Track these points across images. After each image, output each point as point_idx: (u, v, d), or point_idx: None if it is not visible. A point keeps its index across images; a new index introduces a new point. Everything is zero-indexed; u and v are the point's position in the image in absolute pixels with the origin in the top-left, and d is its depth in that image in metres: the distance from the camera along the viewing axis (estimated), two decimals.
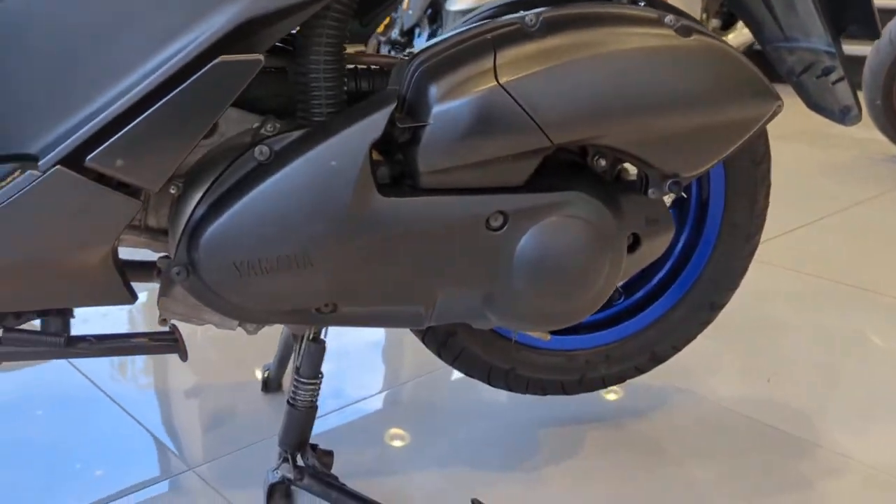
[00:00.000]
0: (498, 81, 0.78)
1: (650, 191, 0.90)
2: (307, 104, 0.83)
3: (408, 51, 0.93)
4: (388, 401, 1.32)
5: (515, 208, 0.83)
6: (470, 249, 0.84)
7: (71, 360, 1.39)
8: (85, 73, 0.74)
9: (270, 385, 1.34)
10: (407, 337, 1.54)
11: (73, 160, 0.74)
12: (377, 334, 1.55)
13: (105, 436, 1.19)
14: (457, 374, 1.38)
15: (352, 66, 0.90)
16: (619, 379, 1.19)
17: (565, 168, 0.89)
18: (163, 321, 0.96)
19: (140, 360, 1.43)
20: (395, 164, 0.84)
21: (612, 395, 1.30)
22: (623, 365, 1.17)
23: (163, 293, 0.93)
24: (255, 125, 0.85)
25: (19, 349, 0.86)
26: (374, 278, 0.84)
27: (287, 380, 1.35)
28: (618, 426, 1.22)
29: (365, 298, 0.86)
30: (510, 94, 0.78)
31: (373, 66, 0.90)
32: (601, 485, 1.09)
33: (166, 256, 0.95)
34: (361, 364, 1.44)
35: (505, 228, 0.84)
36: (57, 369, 1.38)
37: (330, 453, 1.03)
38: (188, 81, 0.73)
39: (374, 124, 0.78)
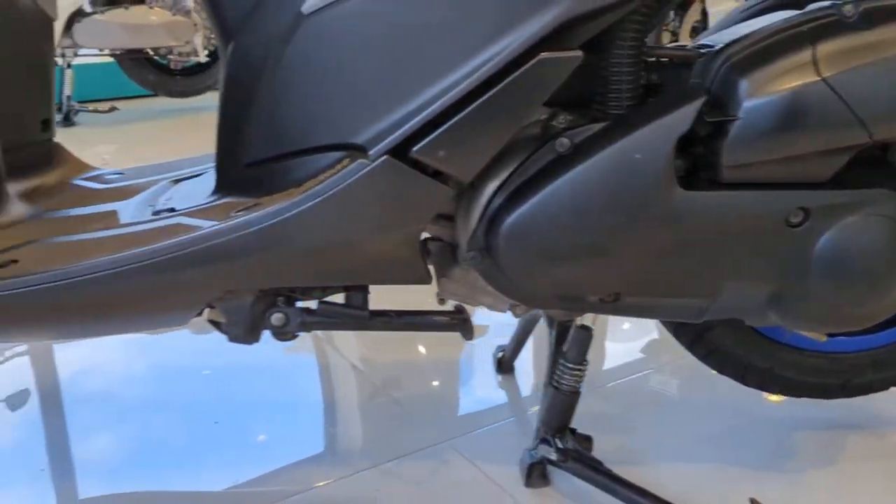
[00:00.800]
0: (819, 75, 0.77)
1: None
2: (606, 97, 0.85)
3: (697, 42, 0.93)
4: (629, 389, 1.33)
5: (818, 205, 0.81)
6: (765, 245, 0.83)
7: (322, 335, 1.51)
8: (413, 71, 0.79)
9: (504, 366, 1.39)
10: (649, 325, 1.55)
11: (399, 150, 0.81)
12: (622, 322, 1.56)
13: (359, 408, 1.28)
14: (695, 367, 1.36)
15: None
16: (886, 385, 1.14)
17: (866, 163, 0.86)
18: (441, 300, 1.02)
19: (377, 335, 1.51)
20: (687, 157, 0.85)
21: (871, 402, 1.23)
22: (893, 371, 1.11)
23: (442, 274, 0.99)
24: (544, 117, 0.88)
25: (328, 320, 0.95)
26: (665, 270, 0.85)
27: (519, 362, 1.39)
28: (879, 436, 1.17)
29: (651, 290, 0.88)
30: (832, 89, 0.76)
31: (662, 59, 0.91)
32: (871, 493, 1.05)
33: (435, 238, 1.00)
34: (602, 351, 1.46)
35: (805, 225, 0.82)
36: (310, 342, 1.50)
37: (589, 438, 1.06)
38: (511, 77, 0.77)
39: (682, 118, 0.79)
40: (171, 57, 3.73)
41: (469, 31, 0.77)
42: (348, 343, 1.48)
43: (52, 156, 1.28)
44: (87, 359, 1.44)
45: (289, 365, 1.43)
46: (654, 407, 1.27)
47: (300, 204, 0.84)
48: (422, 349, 1.47)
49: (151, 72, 3.75)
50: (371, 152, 0.81)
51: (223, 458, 1.14)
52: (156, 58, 3.76)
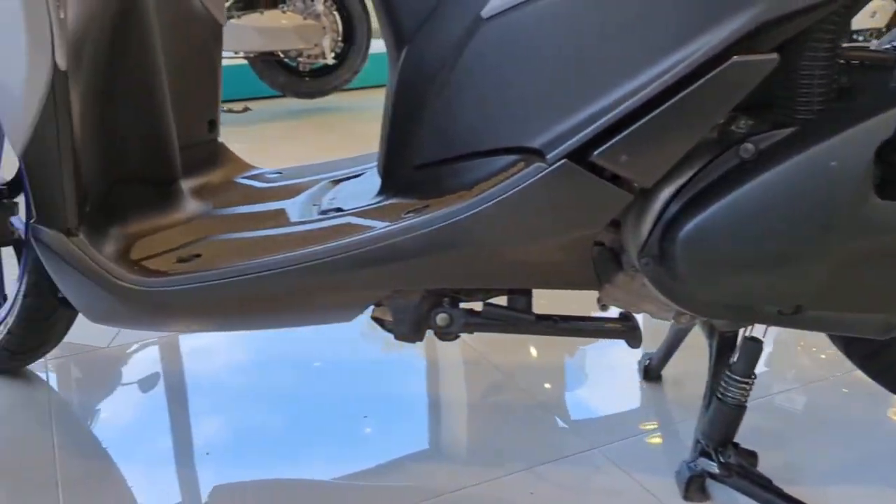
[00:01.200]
0: None
1: None
2: (794, 101, 0.81)
3: (891, 44, 0.88)
4: (786, 404, 1.27)
5: None
6: None
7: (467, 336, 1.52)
8: (597, 74, 0.79)
9: (651, 374, 1.36)
10: (803, 338, 1.48)
11: (578, 155, 0.80)
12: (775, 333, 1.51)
13: (504, 410, 1.28)
14: (850, 383, 1.30)
15: None
16: None
17: None
18: (603, 307, 1.01)
19: (519, 336, 1.51)
20: (883, 165, 0.80)
21: None
22: None
23: (606, 280, 0.98)
24: (722, 122, 0.86)
25: (492, 322, 0.95)
26: (855, 284, 0.81)
27: (667, 370, 1.36)
28: None
29: (837, 304, 0.84)
30: None
31: (853, 61, 0.86)
32: None
33: (596, 243, 0.99)
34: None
35: None
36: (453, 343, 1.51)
37: (753, 454, 1.02)
38: (700, 81, 0.75)
39: (884, 124, 0.75)
40: (300, 59, 3.85)
41: (659, 33, 0.76)
42: (487, 344, 1.49)
43: (217, 155, 1.35)
44: (211, 348, 1.51)
45: (429, 364, 1.45)
46: (815, 423, 1.21)
47: (474, 206, 0.85)
48: (564, 353, 1.46)
49: (281, 73, 3.89)
50: (549, 156, 0.81)
51: (373, 452, 1.17)
52: (286, 60, 3.90)
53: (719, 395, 0.99)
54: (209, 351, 1.50)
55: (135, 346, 1.52)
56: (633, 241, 0.89)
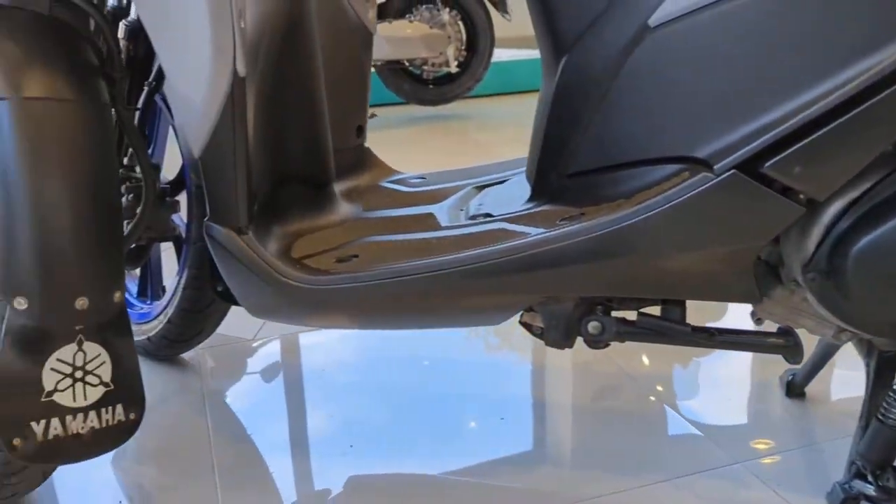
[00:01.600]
0: None
1: None
2: None
3: None
4: None
5: None
6: None
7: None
8: (772, 83, 0.77)
9: (794, 390, 1.32)
10: None
11: (747, 165, 0.79)
12: None
13: (639, 418, 1.27)
14: None
15: None
16: None
17: None
18: (758, 320, 0.99)
19: (660, 347, 1.49)
20: None
21: None
22: None
23: (765, 293, 0.95)
24: None
25: (646, 332, 0.95)
26: None
27: (812, 388, 1.31)
28: None
29: None
30: None
31: None
32: None
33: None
34: None
35: None
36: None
37: None
38: (888, 91, 0.73)
39: None
40: (424, 67, 3.94)
41: (845, 40, 0.74)
42: (619, 351, 1.48)
43: (364, 159, 1.40)
44: (349, 346, 1.56)
45: (537, 366, 1.46)
46: None
47: (637, 215, 0.85)
48: (693, 362, 1.43)
49: (406, 81, 3.98)
50: (716, 166, 0.80)
51: (505, 455, 1.18)
52: (410, 68, 3.99)
53: (880, 417, 0.95)
54: (347, 349, 1.56)
55: (278, 339, 1.60)
56: (796, 255, 0.87)
